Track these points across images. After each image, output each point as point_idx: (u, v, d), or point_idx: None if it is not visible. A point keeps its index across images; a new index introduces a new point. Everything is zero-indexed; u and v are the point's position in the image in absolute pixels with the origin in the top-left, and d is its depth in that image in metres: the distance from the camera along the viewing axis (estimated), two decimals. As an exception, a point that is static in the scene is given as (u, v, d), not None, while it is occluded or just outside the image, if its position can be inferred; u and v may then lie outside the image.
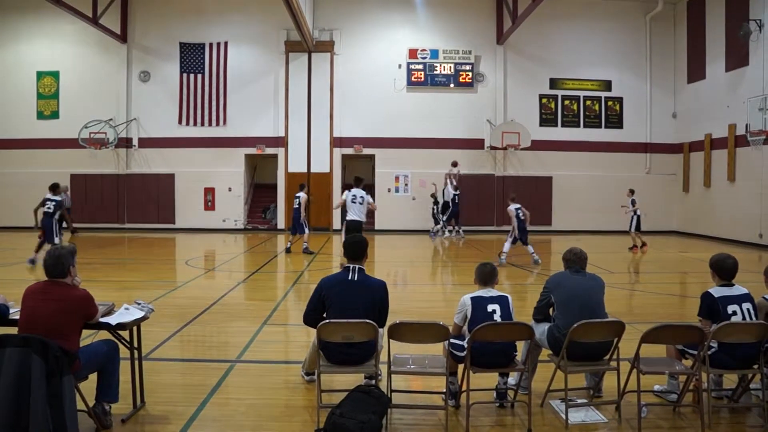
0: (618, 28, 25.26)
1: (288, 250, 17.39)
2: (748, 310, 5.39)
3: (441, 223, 22.62)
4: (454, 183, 22.24)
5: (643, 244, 19.03)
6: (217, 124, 24.60)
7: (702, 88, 23.85)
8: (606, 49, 25.34)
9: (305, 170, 24.46)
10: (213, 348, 7.81)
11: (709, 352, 5.24)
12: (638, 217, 18.97)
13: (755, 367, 5.34)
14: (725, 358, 5.27)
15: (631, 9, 25.11)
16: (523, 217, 15.08)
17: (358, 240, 5.66)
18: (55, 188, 14.74)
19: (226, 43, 24.48)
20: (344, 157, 24.84)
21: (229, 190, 24.73)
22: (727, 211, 21.93)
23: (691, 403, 5.52)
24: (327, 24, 24.41)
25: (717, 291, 5.49)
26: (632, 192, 19.48)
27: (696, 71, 24.22)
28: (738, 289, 5.51)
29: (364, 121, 24.50)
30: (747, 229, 20.76)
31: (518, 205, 15.24)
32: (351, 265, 5.46)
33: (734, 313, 5.35)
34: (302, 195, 17.72)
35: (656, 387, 5.88)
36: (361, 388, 5.14)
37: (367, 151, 24.66)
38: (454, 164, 22.86)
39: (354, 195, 12.13)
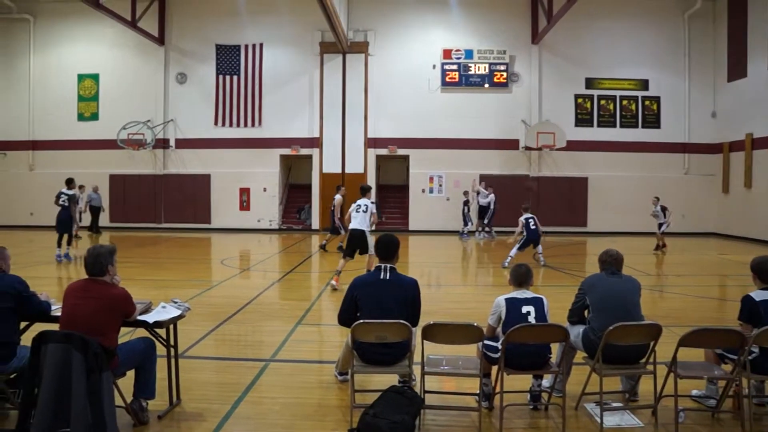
0: (655, 26, 24.88)
1: (323, 248, 17.54)
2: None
3: (469, 224, 22.68)
4: (485, 191, 22.28)
5: (663, 245, 19.03)
6: (253, 125, 24.86)
7: (743, 86, 23.32)
8: (642, 48, 24.98)
9: (340, 171, 24.58)
10: (247, 347, 7.89)
11: (749, 357, 5.13)
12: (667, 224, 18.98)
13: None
14: (766, 363, 5.16)
15: (668, 6, 24.71)
16: (534, 227, 14.93)
17: (389, 240, 5.67)
18: (69, 182, 15.62)
19: (261, 45, 24.72)
20: (378, 157, 24.90)
21: (264, 190, 24.95)
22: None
23: (731, 409, 5.42)
24: (361, 25, 24.49)
25: (758, 295, 5.37)
26: (657, 199, 19.40)
27: (737, 69, 23.70)
28: (780, 293, 5.39)
29: (398, 121, 24.52)
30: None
31: (530, 215, 15.13)
32: (383, 265, 5.48)
33: (777, 318, 5.23)
34: (337, 197, 17.77)
35: (694, 392, 5.77)
36: (395, 389, 5.14)
37: (401, 151, 24.69)
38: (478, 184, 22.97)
39: (359, 204, 12.09)
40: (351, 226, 12.06)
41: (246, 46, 24.78)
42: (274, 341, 7.74)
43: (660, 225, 18.87)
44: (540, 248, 15.34)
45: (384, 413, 4.75)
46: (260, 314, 9.50)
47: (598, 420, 5.18)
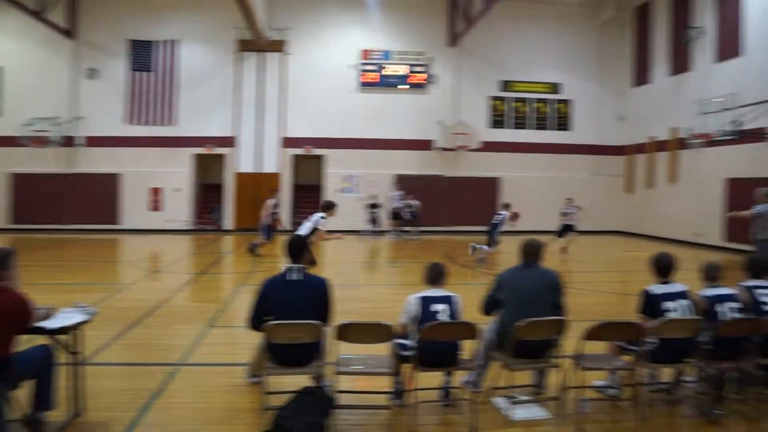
0: (568, 32, 25.72)
1: (252, 251, 16.86)
2: (685, 306, 5.57)
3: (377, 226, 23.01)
4: (398, 194, 22.85)
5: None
6: (167, 123, 24.20)
7: (647, 91, 24.52)
8: (556, 53, 25.79)
9: (254, 170, 24.26)
10: (157, 351, 7.67)
11: (647, 348, 5.39)
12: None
13: (689, 360, 5.57)
14: (662, 353, 5.45)
15: (581, 14, 25.59)
16: (496, 222, 15.75)
17: (298, 240, 5.70)
18: None
19: (177, 42, 24.09)
20: (294, 157, 24.70)
21: (177, 190, 24.32)
22: (668, 211, 22.57)
23: (630, 397, 5.67)
24: (280, 23, 24.23)
25: (656, 288, 5.68)
26: (571, 200, 19.24)
27: (642, 75, 24.89)
28: (676, 287, 5.70)
29: (315, 121, 24.41)
30: (686, 228, 21.40)
31: (502, 213, 16.09)
32: (292, 265, 5.43)
33: (672, 309, 5.53)
34: (268, 201, 17.50)
35: (597, 382, 6.01)
36: (307, 390, 5.13)
37: (317, 151, 24.58)
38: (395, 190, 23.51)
39: (313, 215, 11.97)
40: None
41: (160, 42, 24.11)
42: (184, 345, 7.58)
43: (570, 226, 18.58)
44: (487, 248, 15.91)
45: (296, 414, 4.73)
46: (170, 317, 9.28)
47: (507, 413, 5.32)
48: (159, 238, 22.35)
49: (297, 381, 5.39)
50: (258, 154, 24.35)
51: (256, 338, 5.43)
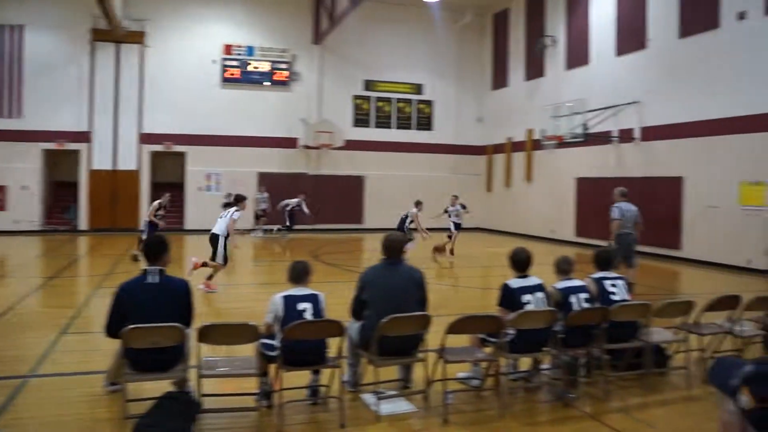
0: (431, 34, 26.38)
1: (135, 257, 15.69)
2: (540, 298, 5.90)
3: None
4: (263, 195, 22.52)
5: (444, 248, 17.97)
6: (11, 115, 22.44)
7: (504, 94, 25.71)
8: (419, 54, 26.40)
9: (111, 167, 23.05)
10: (2, 363, 7.10)
11: (506, 339, 5.64)
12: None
13: (546, 349, 5.91)
14: (521, 344, 5.74)
15: (443, 17, 26.30)
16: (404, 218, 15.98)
17: (157, 241, 5.43)
18: None
19: (22, 27, 22.35)
20: (154, 154, 23.72)
21: (24, 188, 22.63)
22: (525, 208, 23.76)
23: (492, 387, 5.92)
24: (137, 14, 23.11)
25: (514, 282, 5.97)
26: (456, 198, 18.62)
27: (500, 79, 26.06)
28: (532, 280, 6.02)
29: (175, 117, 23.50)
30: (542, 225, 22.63)
31: (408, 211, 16.15)
32: (150, 267, 5.21)
33: (528, 302, 5.83)
34: (155, 201, 16.73)
35: (460, 374, 6.21)
36: (169, 395, 4.95)
37: (178, 148, 23.72)
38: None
39: (227, 212, 11.73)
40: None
41: (5, 27, 22.28)
42: (33, 354, 7.06)
43: (457, 225, 17.75)
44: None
45: (159, 421, 4.56)
46: (19, 325, 8.65)
47: (375, 409, 5.39)
48: (5, 240, 20.71)
49: (158, 387, 5.18)
50: (115, 150, 23.13)
51: (114, 344, 5.16)
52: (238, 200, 11.94)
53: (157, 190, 24.10)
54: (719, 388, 1.63)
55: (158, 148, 23.53)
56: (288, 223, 21.79)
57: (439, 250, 16.34)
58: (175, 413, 4.65)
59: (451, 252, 16.92)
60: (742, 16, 15.23)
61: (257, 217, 22.70)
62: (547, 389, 6.10)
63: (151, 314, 4.92)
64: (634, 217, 11.66)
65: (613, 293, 6.40)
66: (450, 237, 17.06)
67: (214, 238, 11.39)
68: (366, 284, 5.71)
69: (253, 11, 24.49)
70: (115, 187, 22.67)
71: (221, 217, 11.60)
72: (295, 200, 21.88)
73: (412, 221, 15.83)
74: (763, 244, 14.69)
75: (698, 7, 16.44)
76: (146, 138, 23.31)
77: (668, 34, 17.40)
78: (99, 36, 22.66)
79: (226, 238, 11.31)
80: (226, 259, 11.31)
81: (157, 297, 5.06)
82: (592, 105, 18.52)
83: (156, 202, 16.72)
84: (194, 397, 5.02)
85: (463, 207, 17.95)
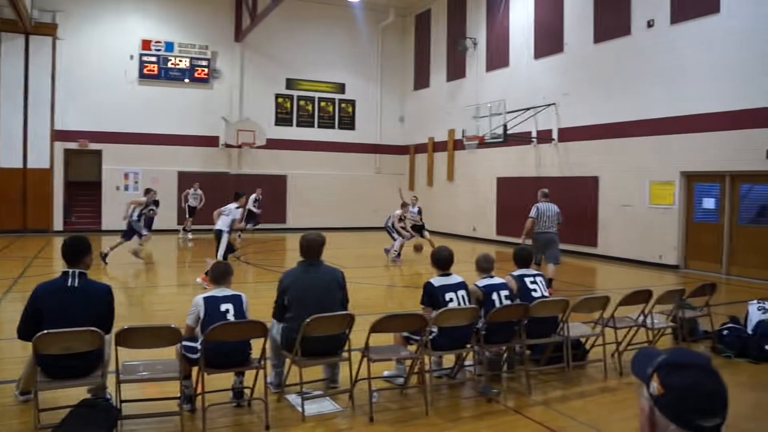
0: (353, 34, 26.41)
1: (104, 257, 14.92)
2: (462, 296, 6.00)
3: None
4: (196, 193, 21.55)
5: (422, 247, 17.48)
6: None
7: (426, 95, 26.00)
8: (342, 54, 26.38)
9: (20, 166, 21.96)
10: None
11: (430, 337, 5.71)
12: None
13: (468, 346, 6.00)
14: (444, 341, 5.84)
15: (366, 17, 26.37)
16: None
17: (77, 241, 5.19)
18: None
19: None
20: (68, 152, 22.81)
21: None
22: (448, 207, 24.08)
23: (416, 384, 5.97)
24: (48, 4, 22.09)
25: (437, 280, 6.05)
26: (416, 199, 18.52)
27: (422, 79, 26.33)
28: (454, 278, 6.12)
29: (91, 113, 22.64)
30: (464, 223, 23.02)
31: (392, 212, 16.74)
32: (70, 270, 5.00)
33: (451, 300, 5.92)
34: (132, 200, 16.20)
35: (385, 373, 6.25)
36: (86, 402, 4.76)
37: (94, 146, 22.89)
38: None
39: (225, 208, 12.38)
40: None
41: None
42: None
43: (421, 228, 17.50)
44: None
45: (74, 431, 4.38)
46: None
47: (300, 409, 5.35)
48: None
49: (75, 394, 4.99)
50: (25, 147, 22.05)
51: (26, 350, 4.93)
52: (240, 197, 12.83)
53: (71, 189, 23.28)
54: (637, 377, 1.71)
55: (72, 145, 22.63)
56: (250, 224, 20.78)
57: (419, 248, 16.64)
58: (93, 421, 4.48)
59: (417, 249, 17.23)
60: (650, 23, 15.91)
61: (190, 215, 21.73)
62: (470, 385, 6.21)
63: (69, 318, 4.73)
64: (554, 216, 11.97)
65: (534, 290, 6.57)
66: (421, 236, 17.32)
67: (218, 234, 12.26)
68: (287, 287, 5.63)
69: (173, 6, 23.89)
70: (25, 186, 21.68)
71: (224, 214, 12.31)
72: (253, 196, 21.13)
73: (401, 219, 16.30)
74: (672, 241, 15.39)
75: (611, 14, 17.06)
76: (59, 135, 22.38)
77: (584, 39, 18.00)
78: (5, 26, 21.31)
79: (228, 233, 12.32)
80: (225, 255, 12.07)
81: (76, 300, 4.86)
82: (512, 106, 18.95)
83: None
84: (113, 404, 4.86)
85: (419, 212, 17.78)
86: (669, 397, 1.59)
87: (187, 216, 21.41)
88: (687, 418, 1.56)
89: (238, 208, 12.54)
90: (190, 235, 20.90)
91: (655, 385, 1.62)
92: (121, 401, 4.89)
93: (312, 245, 5.82)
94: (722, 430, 1.59)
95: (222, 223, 12.17)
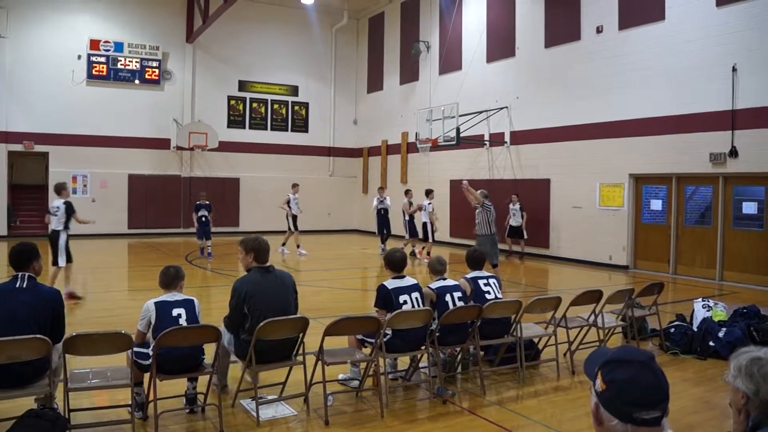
0: (307, 36, 26.29)
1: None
2: (416, 298, 6.03)
3: None
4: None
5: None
6: None
7: (380, 98, 26.04)
8: (295, 56, 26.24)
9: (-38, 168, 21.28)
10: None
11: (384, 339, 5.72)
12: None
13: (423, 348, 6.02)
14: (399, 343, 5.86)
15: (319, 19, 26.31)
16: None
17: (23, 248, 5.05)
18: None
19: None
20: (12, 154, 22.15)
21: None
22: (401, 210, 24.09)
23: (372, 387, 5.98)
24: (-11, 1, 21.46)
25: (391, 283, 6.06)
26: (518, 197, 17.90)
27: (375, 82, 26.37)
28: (408, 281, 6.15)
29: (36, 114, 22.02)
30: (417, 226, 23.03)
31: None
32: (19, 274, 4.87)
33: (405, 302, 5.94)
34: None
35: (340, 376, 6.24)
36: (33, 413, 4.59)
37: (39, 148, 22.28)
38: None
39: (51, 206, 10.97)
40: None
41: None
42: None
43: (518, 229, 17.61)
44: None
45: (20, 440, 4.25)
46: None
47: (255, 414, 5.30)
48: None
49: (20, 404, 4.84)
50: (-35, 150, 21.36)
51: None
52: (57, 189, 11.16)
53: (16, 192, 22.63)
54: (588, 376, 1.79)
55: (17, 147, 21.99)
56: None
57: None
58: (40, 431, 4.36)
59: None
60: (599, 29, 16.24)
61: None
62: (425, 387, 6.23)
63: (13, 324, 4.58)
64: (494, 218, 12.24)
65: (487, 292, 6.64)
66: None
67: (51, 234, 10.78)
68: (247, 296, 5.40)
69: (122, 6, 23.39)
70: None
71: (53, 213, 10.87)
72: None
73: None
74: (621, 242, 15.72)
75: (562, 20, 17.36)
76: (3, 136, 21.71)
77: (535, 43, 18.27)
78: (-57, 23, 20.73)
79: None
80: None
81: (24, 300, 4.72)
82: (465, 109, 19.09)
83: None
84: (60, 414, 4.73)
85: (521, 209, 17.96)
86: (610, 392, 1.66)
87: (290, 228, 19.23)
88: (626, 411, 1.63)
89: (66, 204, 10.89)
90: (303, 251, 18.95)
91: (598, 381, 1.70)
92: (70, 410, 4.79)
93: (265, 249, 5.70)
94: (663, 423, 1.65)
95: (54, 223, 10.80)
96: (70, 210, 10.74)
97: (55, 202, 10.91)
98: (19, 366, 4.55)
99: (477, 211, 12.34)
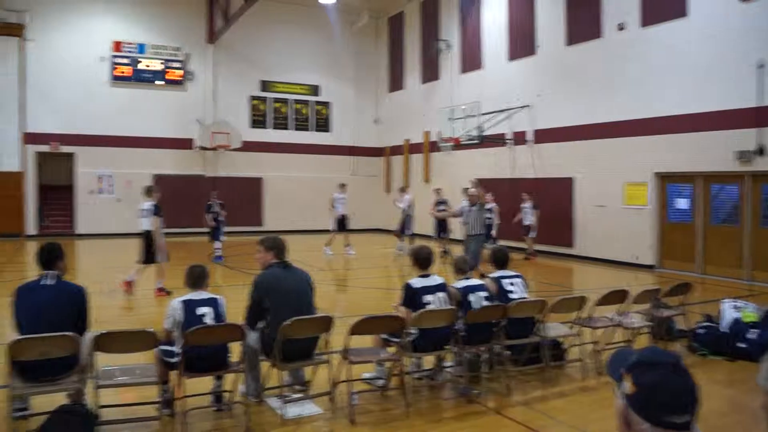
0: (327, 36, 26.34)
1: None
2: (442, 298, 6.00)
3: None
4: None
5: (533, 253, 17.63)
6: None
7: (401, 97, 26.05)
8: (316, 56, 26.33)
9: (-9, 169, 21.58)
10: None
11: (409, 339, 5.71)
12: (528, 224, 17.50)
13: (448, 347, 6.01)
14: (423, 342, 5.83)
15: (339, 19, 26.33)
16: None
17: (50, 247, 5.17)
18: None
19: None
20: (39, 155, 22.47)
21: None
22: (424, 209, 24.05)
23: (397, 386, 5.97)
24: (16, 4, 21.71)
25: (417, 282, 6.05)
26: (530, 195, 17.77)
27: (396, 81, 26.38)
28: (434, 279, 6.12)
29: (62, 116, 22.29)
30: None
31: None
32: (46, 272, 4.99)
33: (430, 302, 5.93)
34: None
35: (365, 375, 6.24)
36: (64, 408, 4.68)
37: (66, 149, 22.58)
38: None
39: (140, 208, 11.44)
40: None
41: None
42: None
43: (528, 228, 17.48)
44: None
45: (52, 436, 4.31)
46: None
47: (281, 412, 5.32)
48: None
49: (52, 400, 4.91)
50: (-6, 150, 21.66)
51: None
52: (148, 191, 11.68)
53: (44, 192, 22.94)
54: (612, 377, 1.77)
55: (44, 148, 22.29)
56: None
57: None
58: (72, 427, 4.42)
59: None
60: (621, 26, 16.09)
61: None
62: (450, 386, 6.22)
63: (45, 319, 4.70)
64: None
65: (511, 291, 6.61)
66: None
67: (144, 234, 11.37)
68: (267, 290, 5.52)
69: (144, 7, 23.63)
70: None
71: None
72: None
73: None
74: (647, 241, 15.56)
75: (583, 17, 17.21)
76: (30, 138, 22.03)
77: (556, 41, 18.14)
78: (-30, 27, 21.04)
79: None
80: None
81: (50, 297, 4.85)
82: (487, 108, 19.03)
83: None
84: (91, 409, 4.79)
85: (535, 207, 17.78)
86: (640, 396, 1.63)
87: (333, 228, 18.69)
88: (658, 415, 1.61)
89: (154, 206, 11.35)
90: (352, 251, 18.21)
91: (627, 384, 1.67)
92: (99, 406, 4.85)
93: (284, 247, 5.83)
94: (693, 427, 1.63)
95: (143, 224, 11.35)
96: (157, 211, 11.22)
97: (145, 204, 11.40)
98: (49, 363, 4.63)
99: (471, 209, 12.14)
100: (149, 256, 11.24)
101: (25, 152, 22.00)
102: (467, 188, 17.60)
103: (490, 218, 15.19)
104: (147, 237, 11.23)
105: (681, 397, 1.62)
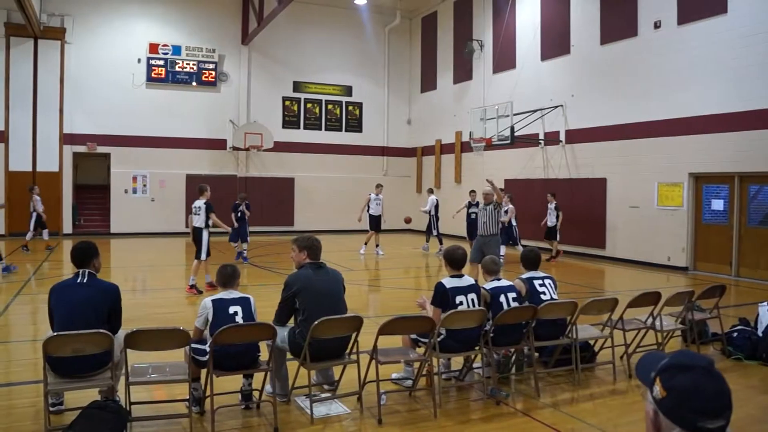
0: (359, 36, 26.47)
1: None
2: (472, 299, 5.98)
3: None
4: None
5: (557, 253, 17.56)
6: None
7: (433, 97, 26.01)
8: (348, 56, 26.45)
9: (30, 169, 22.06)
10: None
11: (438, 339, 5.70)
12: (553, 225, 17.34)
13: (477, 348, 5.98)
14: (452, 343, 5.82)
15: (371, 20, 26.45)
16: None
17: (84, 246, 5.28)
18: None
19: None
20: (76, 155, 22.92)
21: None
22: (455, 209, 23.99)
23: (425, 386, 5.96)
24: (57, 8, 22.18)
25: (448, 282, 6.02)
26: (554, 196, 17.56)
27: (428, 82, 26.35)
28: (466, 280, 6.10)
29: (99, 117, 22.72)
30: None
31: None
32: (80, 271, 5.09)
33: (461, 303, 5.90)
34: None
35: (393, 375, 6.25)
36: (96, 404, 4.77)
37: (102, 149, 22.99)
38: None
39: (193, 206, 11.78)
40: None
41: None
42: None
43: (553, 229, 17.35)
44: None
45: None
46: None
47: (309, 412, 5.35)
48: None
49: (84, 396, 5.01)
50: (34, 151, 22.15)
51: (38, 352, 4.95)
52: (200, 191, 11.85)
53: (80, 192, 23.40)
54: (642, 381, 1.74)
55: (81, 148, 22.72)
56: None
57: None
58: (103, 423, 4.49)
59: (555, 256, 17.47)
60: (657, 24, 15.86)
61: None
62: (479, 387, 6.19)
63: (77, 318, 4.80)
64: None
65: (543, 292, 6.56)
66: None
67: (194, 231, 11.73)
68: (299, 290, 5.57)
69: (180, 10, 23.97)
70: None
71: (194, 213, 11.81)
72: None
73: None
74: (681, 243, 15.33)
75: (618, 16, 17.02)
76: (68, 138, 22.48)
77: (590, 40, 17.96)
78: (14, 31, 21.53)
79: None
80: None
81: (84, 295, 4.95)
82: (519, 108, 18.91)
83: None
84: (122, 406, 4.88)
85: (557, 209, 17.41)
86: (671, 400, 1.60)
87: (369, 228, 18.79)
88: (690, 420, 1.56)
89: (207, 205, 11.73)
90: (381, 251, 18.49)
91: (657, 388, 1.63)
92: (131, 403, 4.93)
93: (319, 247, 5.88)
94: None
95: (196, 221, 11.73)
96: (209, 210, 11.58)
97: (197, 203, 11.75)
98: (83, 359, 4.72)
99: (487, 208, 11.69)
100: (201, 252, 11.58)
101: (63, 153, 22.43)
102: (472, 190, 17.62)
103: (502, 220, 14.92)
104: (199, 234, 11.57)
105: (714, 402, 1.58)
